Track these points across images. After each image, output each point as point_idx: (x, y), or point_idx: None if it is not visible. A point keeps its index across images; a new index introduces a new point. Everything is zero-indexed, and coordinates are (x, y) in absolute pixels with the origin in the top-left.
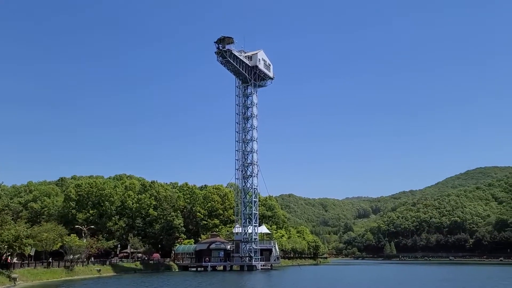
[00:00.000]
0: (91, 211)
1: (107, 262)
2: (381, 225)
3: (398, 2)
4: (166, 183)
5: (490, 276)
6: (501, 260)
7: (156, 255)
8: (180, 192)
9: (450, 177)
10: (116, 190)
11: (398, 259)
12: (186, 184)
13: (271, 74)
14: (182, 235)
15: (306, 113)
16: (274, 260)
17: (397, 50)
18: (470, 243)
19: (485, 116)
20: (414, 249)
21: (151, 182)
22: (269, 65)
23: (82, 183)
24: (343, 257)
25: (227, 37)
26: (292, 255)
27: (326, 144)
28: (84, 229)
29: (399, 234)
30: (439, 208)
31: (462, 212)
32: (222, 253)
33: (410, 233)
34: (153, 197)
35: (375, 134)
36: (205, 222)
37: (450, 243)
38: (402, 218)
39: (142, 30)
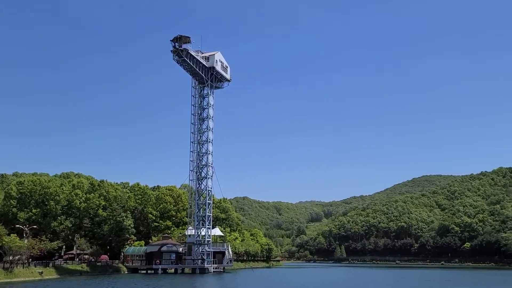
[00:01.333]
0: (34, 210)
1: (50, 264)
2: (333, 229)
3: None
4: (117, 183)
5: (430, 278)
6: (442, 264)
7: (104, 257)
8: (131, 192)
9: (398, 184)
10: (62, 189)
11: (347, 262)
12: (138, 184)
13: (228, 76)
14: (133, 236)
15: (262, 116)
16: (227, 263)
17: (348, 54)
18: (415, 247)
19: (430, 127)
20: (363, 253)
21: (100, 181)
22: (227, 67)
23: (24, 180)
24: (295, 260)
25: (184, 36)
26: (245, 258)
27: (281, 147)
28: (26, 229)
29: (349, 238)
30: (387, 214)
31: (408, 218)
32: (174, 255)
33: (359, 237)
34: (102, 197)
35: (328, 139)
36: (156, 224)
37: (397, 247)
38: (352, 223)
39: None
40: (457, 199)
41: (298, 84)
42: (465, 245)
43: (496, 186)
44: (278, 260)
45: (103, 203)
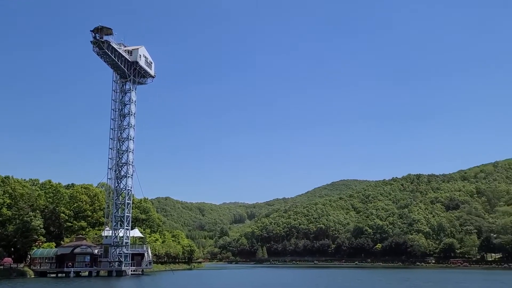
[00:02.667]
0: None
1: None
2: (255, 230)
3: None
4: (25, 180)
5: (345, 277)
6: (356, 264)
7: (8, 260)
8: (41, 190)
9: (318, 187)
10: None
11: (269, 263)
12: (49, 182)
13: (152, 72)
14: (42, 237)
15: (187, 115)
16: (146, 265)
17: (279, 60)
18: (332, 248)
19: (348, 135)
20: (284, 254)
21: (5, 177)
22: (151, 62)
23: None
24: (217, 261)
25: (106, 27)
26: (166, 260)
27: (206, 148)
28: None
29: (271, 239)
30: (308, 216)
31: (326, 220)
32: (88, 257)
33: (281, 238)
34: (7, 194)
35: (251, 142)
36: (70, 224)
37: (315, 248)
38: (274, 224)
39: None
40: (371, 202)
41: (225, 83)
42: (377, 246)
43: (405, 191)
44: (200, 262)
45: (8, 201)
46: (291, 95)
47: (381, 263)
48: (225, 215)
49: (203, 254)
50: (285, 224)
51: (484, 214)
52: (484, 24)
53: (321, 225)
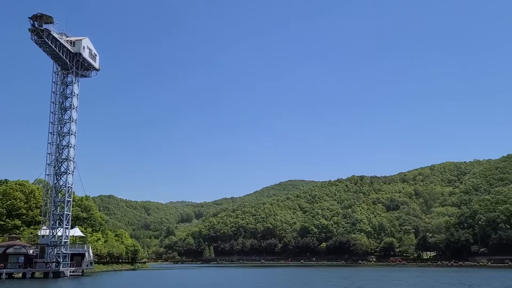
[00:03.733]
0: None
1: None
2: (202, 229)
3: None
4: None
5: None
6: (302, 262)
7: None
8: None
9: (266, 187)
10: None
11: (216, 262)
12: None
13: (96, 65)
14: None
15: (133, 111)
16: (87, 265)
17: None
18: (279, 247)
19: (296, 136)
20: (231, 253)
21: None
22: (95, 55)
23: None
24: (162, 261)
25: (46, 15)
26: (108, 260)
27: (152, 145)
28: None
29: (219, 239)
30: (255, 215)
31: (274, 220)
32: (23, 258)
33: (228, 237)
34: None
35: (199, 140)
36: (2, 223)
37: (263, 247)
38: (222, 224)
39: None
40: (317, 202)
41: (174, 80)
42: (322, 245)
43: (349, 192)
44: (144, 262)
45: None
46: (237, 94)
47: (326, 262)
48: (171, 214)
49: (148, 254)
50: (232, 224)
51: (421, 215)
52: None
53: (269, 225)
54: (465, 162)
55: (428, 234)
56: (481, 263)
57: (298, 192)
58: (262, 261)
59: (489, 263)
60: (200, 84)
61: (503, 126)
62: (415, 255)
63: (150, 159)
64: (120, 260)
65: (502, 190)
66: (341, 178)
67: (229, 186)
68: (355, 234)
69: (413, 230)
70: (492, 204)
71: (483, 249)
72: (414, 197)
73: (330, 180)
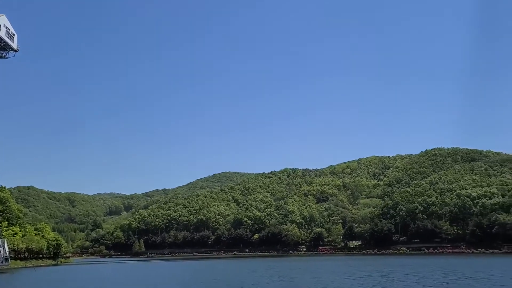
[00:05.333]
0: None
1: None
2: (132, 222)
3: None
4: None
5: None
6: (234, 254)
7: None
8: None
9: (200, 179)
10: None
11: (146, 256)
12: None
13: (14, 46)
14: None
15: (57, 95)
16: (2, 261)
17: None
18: (212, 239)
19: (228, 127)
20: (162, 246)
21: None
22: (13, 34)
23: None
24: (88, 255)
25: None
26: (27, 256)
27: (76, 132)
28: None
29: (149, 232)
30: (188, 207)
31: (207, 211)
32: None
33: (160, 230)
34: None
35: (130, 130)
36: None
37: (195, 239)
38: (153, 216)
39: None
40: (251, 194)
41: (96, 62)
42: (255, 236)
43: (282, 184)
44: (68, 257)
45: None
46: (172, 86)
47: (258, 253)
48: (99, 207)
49: (73, 248)
50: (164, 216)
51: (349, 206)
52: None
53: (202, 217)
54: (388, 156)
55: (354, 224)
56: (401, 251)
57: (232, 184)
58: (194, 253)
59: (408, 250)
60: (126, 71)
61: (422, 124)
62: (342, 244)
63: (75, 148)
64: (41, 255)
65: (420, 183)
66: (274, 171)
67: (161, 177)
68: (287, 225)
69: (341, 221)
70: (411, 196)
71: (403, 237)
72: (343, 189)
73: (263, 173)
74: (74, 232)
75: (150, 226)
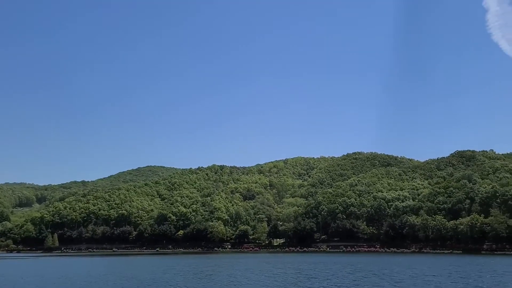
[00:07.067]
0: None
1: None
2: (45, 215)
3: None
4: None
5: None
6: (157, 250)
7: None
8: None
9: (123, 172)
10: None
11: (60, 251)
12: None
13: None
14: None
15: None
16: None
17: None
18: (134, 235)
19: (154, 120)
20: (79, 241)
21: None
22: None
23: None
24: None
25: None
26: None
27: None
28: None
29: (65, 226)
30: (109, 201)
31: (129, 206)
32: None
33: (76, 224)
34: None
35: (47, 117)
36: None
37: (116, 235)
38: (70, 209)
39: None
40: (176, 190)
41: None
42: (179, 232)
43: (209, 181)
44: None
45: None
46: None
47: (182, 249)
48: (6, 198)
49: None
50: (82, 210)
51: (274, 205)
52: None
53: (123, 212)
54: (313, 158)
55: (279, 222)
56: (321, 249)
57: (157, 178)
58: (114, 249)
59: (328, 248)
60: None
61: (346, 126)
62: (267, 242)
63: None
64: None
65: (341, 184)
66: (202, 167)
67: (79, 168)
68: (212, 222)
69: (266, 219)
70: (333, 196)
71: (324, 236)
72: (269, 187)
73: (191, 168)
74: None
75: (65, 220)
